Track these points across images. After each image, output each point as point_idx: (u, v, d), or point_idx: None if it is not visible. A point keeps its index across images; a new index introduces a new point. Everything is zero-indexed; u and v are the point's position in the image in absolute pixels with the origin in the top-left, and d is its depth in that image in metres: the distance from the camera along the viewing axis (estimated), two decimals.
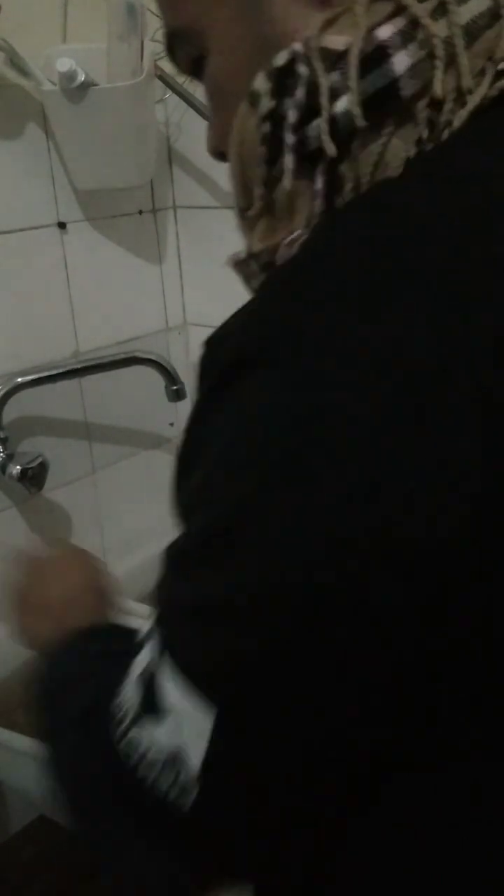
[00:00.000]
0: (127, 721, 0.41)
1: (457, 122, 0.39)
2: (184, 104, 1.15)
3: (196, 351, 1.36)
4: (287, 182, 0.42)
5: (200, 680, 0.38)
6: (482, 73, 0.39)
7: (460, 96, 0.39)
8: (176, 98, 1.15)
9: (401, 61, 0.38)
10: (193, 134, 1.21)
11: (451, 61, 0.39)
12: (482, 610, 0.35)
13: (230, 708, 0.38)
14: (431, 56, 0.38)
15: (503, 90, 0.40)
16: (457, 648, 0.36)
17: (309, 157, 0.41)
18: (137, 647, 0.43)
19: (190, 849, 0.42)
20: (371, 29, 0.39)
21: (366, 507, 0.34)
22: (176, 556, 0.41)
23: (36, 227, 1.10)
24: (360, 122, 0.39)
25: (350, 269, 0.36)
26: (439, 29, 0.38)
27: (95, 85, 1.02)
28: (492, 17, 0.39)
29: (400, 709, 0.37)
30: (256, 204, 0.44)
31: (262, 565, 0.36)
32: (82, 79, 1.00)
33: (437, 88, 0.39)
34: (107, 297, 1.21)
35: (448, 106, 0.39)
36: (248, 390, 0.37)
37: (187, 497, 0.42)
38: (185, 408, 1.40)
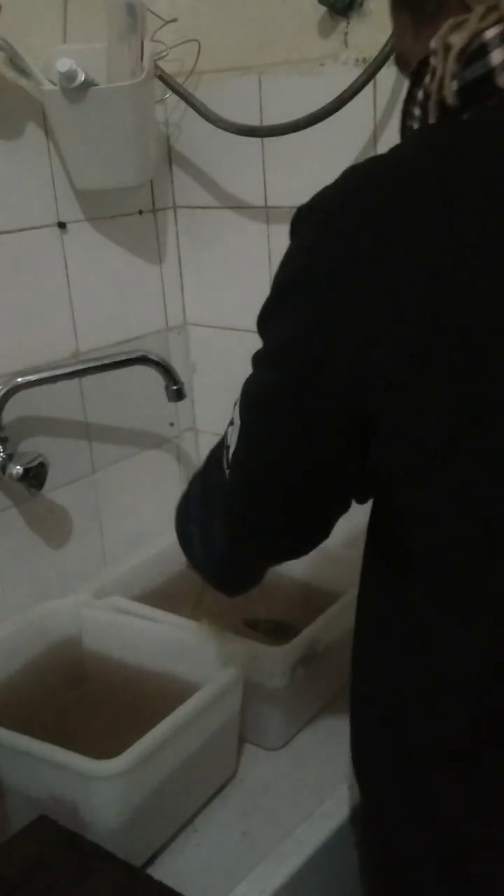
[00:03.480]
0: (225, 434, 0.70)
1: None
2: (184, 104, 1.15)
3: (196, 351, 1.36)
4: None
5: (241, 404, 0.66)
6: None
7: None
8: (176, 98, 1.15)
9: (497, 56, 0.53)
10: (193, 134, 1.21)
11: None
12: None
13: (243, 423, 0.66)
14: None
15: None
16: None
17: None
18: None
19: (232, 513, 0.70)
20: (479, 32, 0.53)
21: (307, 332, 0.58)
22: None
23: (36, 227, 1.10)
24: (453, 102, 0.55)
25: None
26: None
27: (95, 85, 1.02)
28: None
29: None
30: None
31: (268, 345, 0.63)
32: (82, 79, 1.00)
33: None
34: (107, 297, 1.21)
35: None
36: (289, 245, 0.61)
37: None
38: (185, 408, 1.41)
